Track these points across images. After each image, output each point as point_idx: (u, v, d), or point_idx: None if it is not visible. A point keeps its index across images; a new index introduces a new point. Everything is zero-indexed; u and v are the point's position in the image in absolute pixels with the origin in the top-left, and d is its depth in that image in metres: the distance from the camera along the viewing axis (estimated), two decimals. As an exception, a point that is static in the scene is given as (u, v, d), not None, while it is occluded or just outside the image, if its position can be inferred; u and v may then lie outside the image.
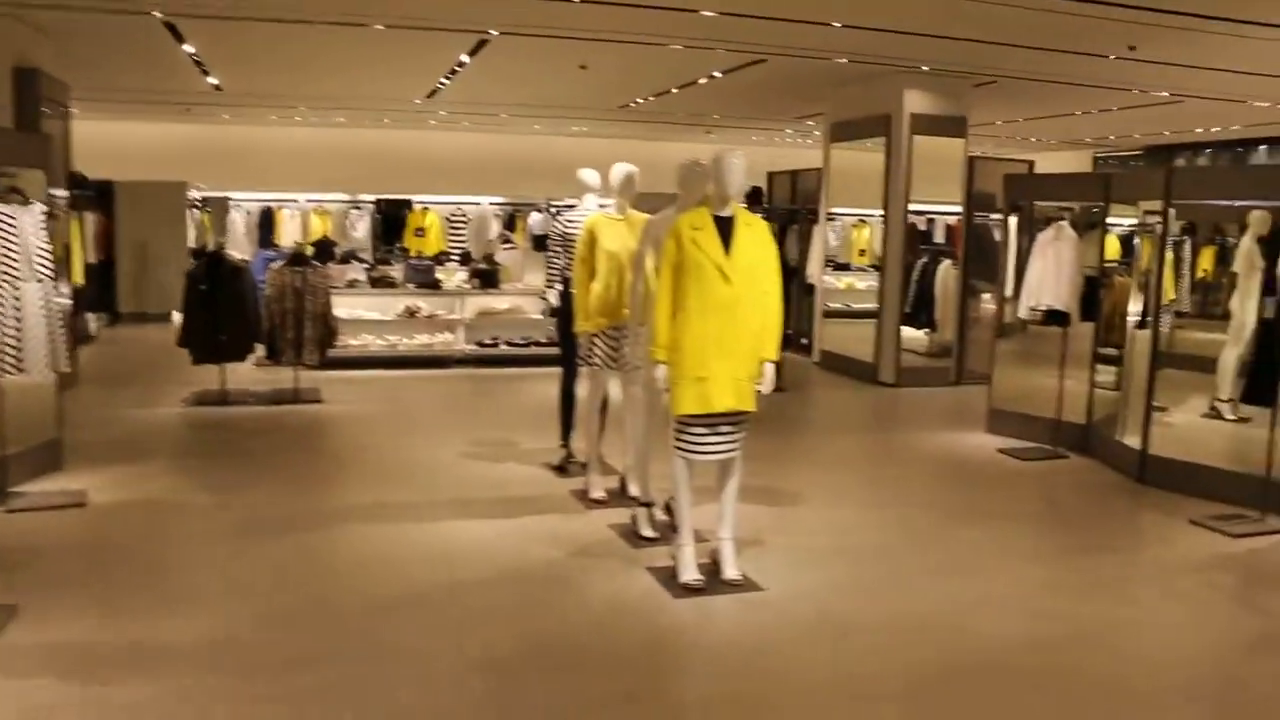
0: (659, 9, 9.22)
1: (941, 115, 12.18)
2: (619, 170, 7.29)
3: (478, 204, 20.60)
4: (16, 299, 6.88)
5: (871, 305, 12.85)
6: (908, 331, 12.64)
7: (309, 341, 10.45)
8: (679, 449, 5.70)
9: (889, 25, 9.76)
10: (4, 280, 6.76)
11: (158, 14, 9.75)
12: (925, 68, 11.70)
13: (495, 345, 13.26)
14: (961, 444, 9.52)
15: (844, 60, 11.41)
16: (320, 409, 10.40)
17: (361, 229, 20.16)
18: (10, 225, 6.84)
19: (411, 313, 13.01)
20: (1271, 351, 7.15)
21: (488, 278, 13.47)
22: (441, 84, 13.95)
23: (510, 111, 17.23)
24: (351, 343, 12.62)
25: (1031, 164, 13.52)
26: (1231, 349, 9.11)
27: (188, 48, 11.58)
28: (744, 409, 5.63)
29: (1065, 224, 8.92)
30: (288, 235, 19.25)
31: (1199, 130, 16.55)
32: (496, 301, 13.36)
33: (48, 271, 7.10)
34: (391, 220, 20.28)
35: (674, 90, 14.11)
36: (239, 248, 18.85)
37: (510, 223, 20.87)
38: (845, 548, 6.53)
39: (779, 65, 11.80)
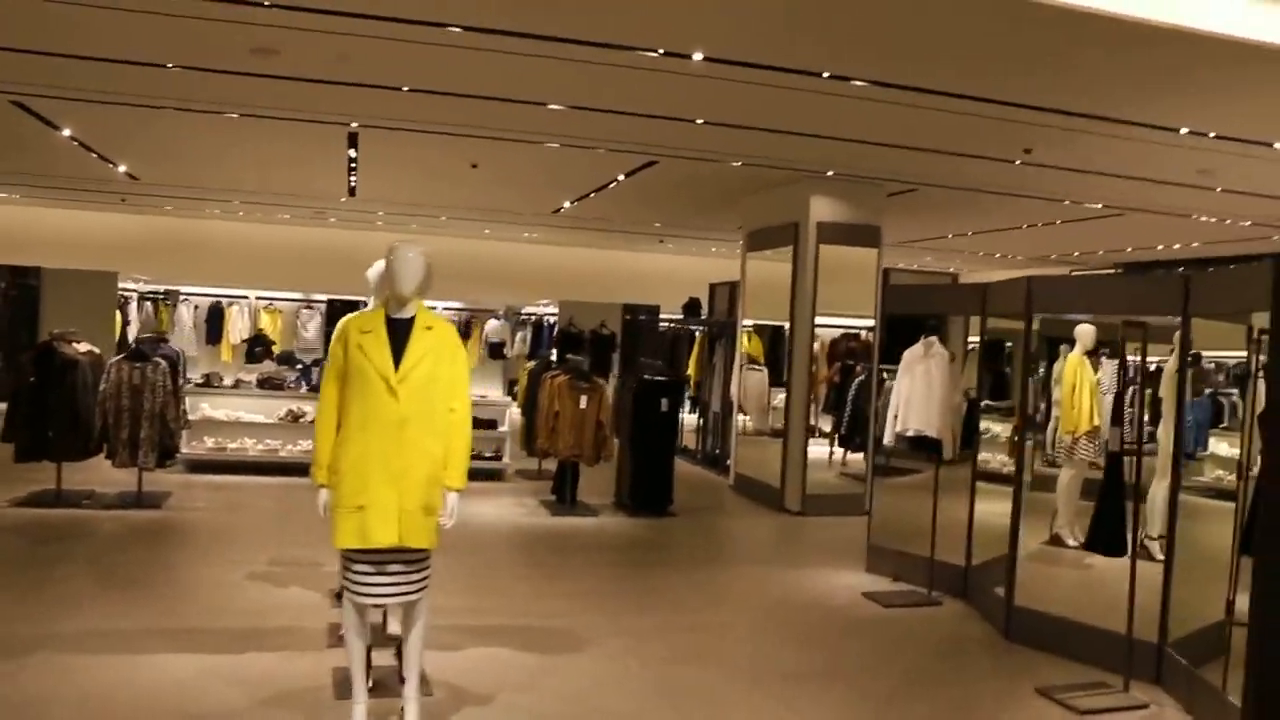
0: (507, 101, 8.44)
1: (852, 224, 11.18)
2: (378, 266, 6.28)
3: (434, 308, 19.71)
4: None
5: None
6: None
7: (144, 442, 9.49)
8: (345, 589, 4.74)
9: (762, 124, 8.86)
10: None
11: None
12: (830, 173, 10.76)
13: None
14: (829, 584, 8.29)
15: (738, 164, 10.51)
16: (155, 515, 9.48)
17: (313, 329, 19.33)
18: None
19: (295, 417, 12.04)
20: (1115, 492, 5.92)
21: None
22: (353, 181, 13.20)
23: (449, 214, 16.50)
24: (230, 446, 11.72)
25: (955, 276, 12.45)
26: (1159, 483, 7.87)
27: (66, 131, 10.87)
28: (413, 545, 4.65)
29: (935, 340, 7.80)
30: (236, 332, 18.47)
31: (1160, 247, 15.41)
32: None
33: None
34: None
35: (591, 195, 13.24)
36: (186, 342, 18.16)
37: (466, 329, 19.98)
38: (584, 714, 5.31)
39: (678, 168, 10.94)
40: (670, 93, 8.07)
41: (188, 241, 18.98)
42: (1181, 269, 17.89)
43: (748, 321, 12.98)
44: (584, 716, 5.35)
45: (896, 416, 8.00)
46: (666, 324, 17.21)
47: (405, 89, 8.31)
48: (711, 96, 8.14)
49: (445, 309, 19.73)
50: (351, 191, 14.27)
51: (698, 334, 14.87)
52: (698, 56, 6.93)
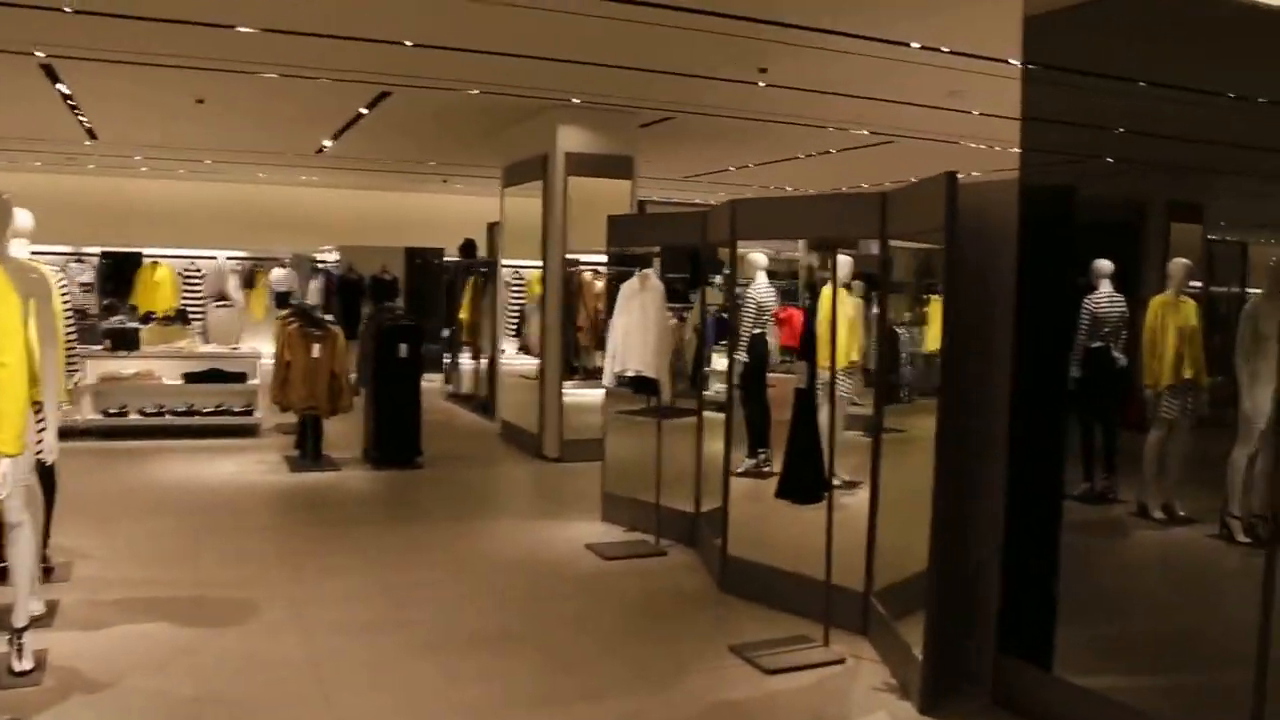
0: (205, 26, 7.32)
1: (604, 154, 10.34)
2: None
3: (214, 258, 18.25)
4: None
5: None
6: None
7: None
8: None
9: (489, 47, 7.93)
10: None
11: None
12: (576, 101, 9.88)
13: (123, 414, 10.95)
14: (554, 537, 7.56)
15: (476, 91, 9.53)
16: None
17: (82, 282, 17.61)
18: None
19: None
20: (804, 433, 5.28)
21: (121, 338, 11.18)
22: (84, 122, 11.73)
23: (213, 158, 15.04)
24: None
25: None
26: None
27: None
28: None
29: (651, 273, 7.05)
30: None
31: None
32: (124, 365, 11.08)
33: None
34: (118, 275, 17.75)
35: (344, 132, 12.08)
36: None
37: (250, 279, 18.57)
38: (205, 696, 4.41)
39: (417, 99, 9.92)
40: (386, 13, 7.13)
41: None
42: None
43: (512, 261, 12.10)
44: (204, 700, 4.51)
45: (615, 356, 7.24)
46: (440, 267, 16.24)
47: (72, 10, 7.04)
48: (433, 16, 7.22)
49: (229, 257, 18.37)
50: (91, 134, 12.72)
51: (473, 277, 13.90)
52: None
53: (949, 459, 4.52)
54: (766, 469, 8.15)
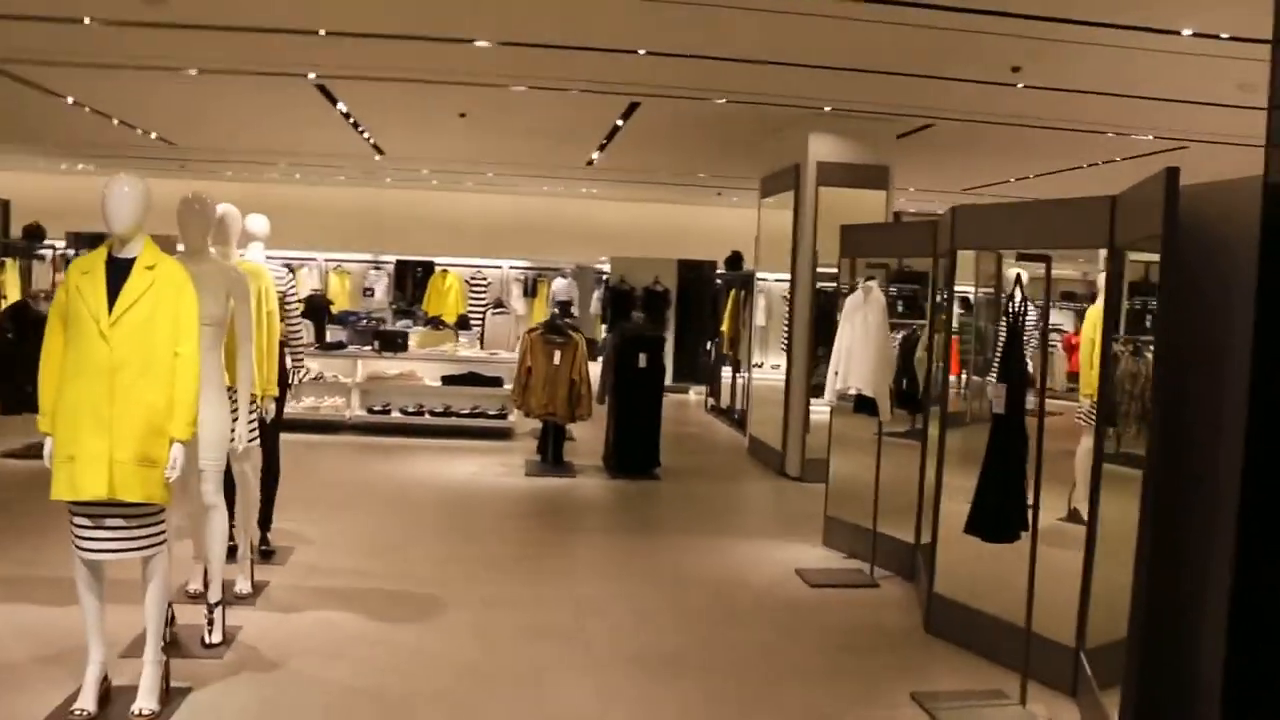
0: (442, 41, 7.74)
1: (857, 164, 9.95)
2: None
3: (499, 267, 19.20)
4: None
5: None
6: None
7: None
8: (72, 542, 4.23)
9: (736, 55, 7.85)
10: None
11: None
12: (827, 109, 9.57)
13: (386, 412, 11.66)
14: (768, 558, 7.31)
15: (722, 101, 9.42)
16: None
17: (379, 289, 19.04)
18: None
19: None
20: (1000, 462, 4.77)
21: (388, 340, 11.92)
22: (367, 138, 12.65)
23: (495, 171, 15.82)
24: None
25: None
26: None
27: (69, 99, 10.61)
28: (126, 498, 4.09)
29: (874, 285, 6.67)
30: (305, 293, 18.30)
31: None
32: (389, 366, 11.80)
33: None
34: (412, 281, 19.06)
35: (606, 144, 12.35)
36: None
37: (533, 288, 19.39)
38: (371, 689, 4.54)
39: (665, 109, 9.98)
40: (627, 23, 7.22)
41: (255, 205, 18.82)
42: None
43: (769, 275, 11.89)
44: (358, 691, 4.67)
45: (837, 372, 6.89)
46: (707, 279, 16.23)
47: (325, 33, 7.58)
48: (674, 25, 7.20)
49: (513, 267, 19.24)
50: (378, 150, 13.69)
51: (734, 289, 13.82)
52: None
53: (1160, 497, 3.94)
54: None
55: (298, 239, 18.51)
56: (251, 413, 5.59)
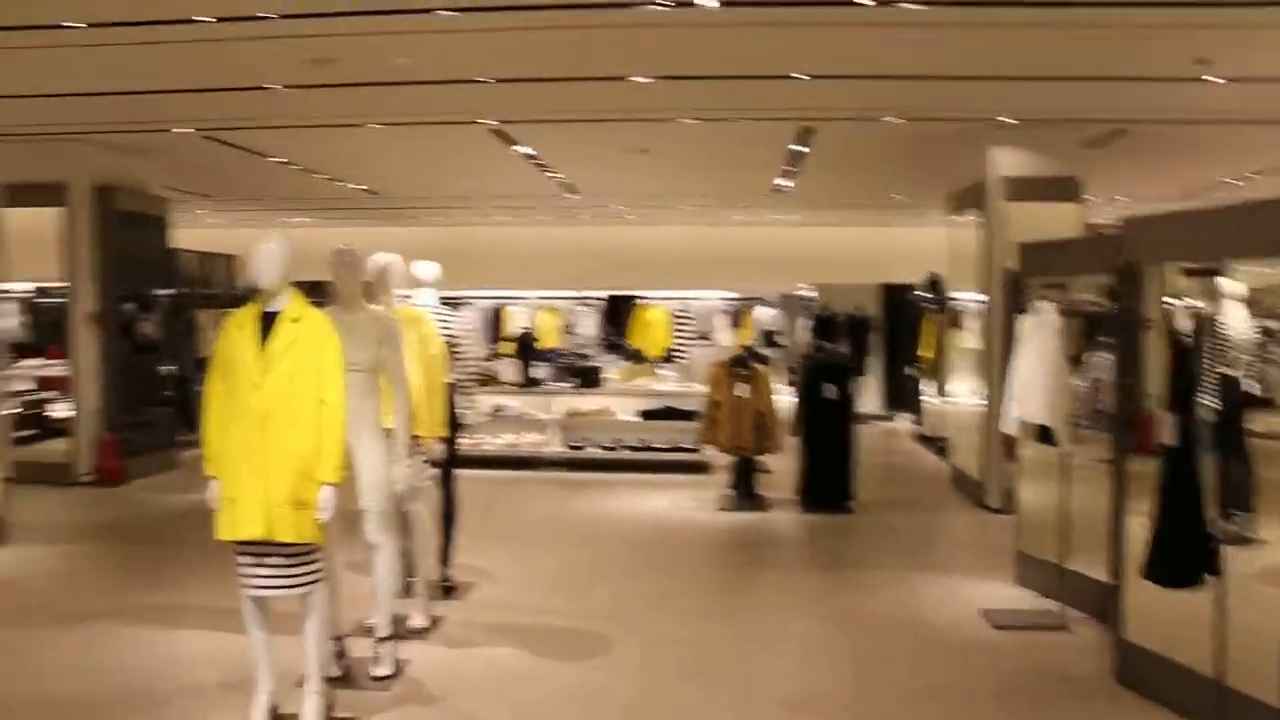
0: (597, 81, 7.95)
1: (1044, 176, 9.50)
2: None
3: (704, 299, 19.31)
4: None
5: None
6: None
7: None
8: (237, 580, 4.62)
9: (885, 71, 7.71)
10: None
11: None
12: (1005, 119, 9.18)
13: (583, 448, 11.94)
14: (954, 596, 7.03)
15: (894, 119, 9.21)
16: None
17: (587, 325, 19.51)
18: None
19: (498, 410, 12.04)
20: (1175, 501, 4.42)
21: (585, 376, 12.22)
22: (552, 176, 13.06)
23: (687, 202, 16.01)
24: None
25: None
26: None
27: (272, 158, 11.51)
28: (281, 539, 4.42)
29: (1049, 307, 6.34)
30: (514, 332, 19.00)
31: None
32: (585, 402, 12.08)
33: None
34: (617, 316, 19.45)
35: (786, 171, 12.30)
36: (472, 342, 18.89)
37: (738, 318, 19.40)
38: None
39: (838, 132, 9.86)
40: (786, 50, 7.22)
41: (461, 248, 19.70)
42: None
43: (966, 296, 11.48)
44: None
45: (1016, 399, 6.57)
46: (910, 303, 15.78)
47: (497, 80, 7.95)
48: (833, 47, 7.17)
49: (720, 298, 19.32)
50: (570, 189, 14.09)
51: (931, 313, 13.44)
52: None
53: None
54: (1248, 536, 6.92)
55: (504, 279, 19.28)
56: (416, 454, 5.86)
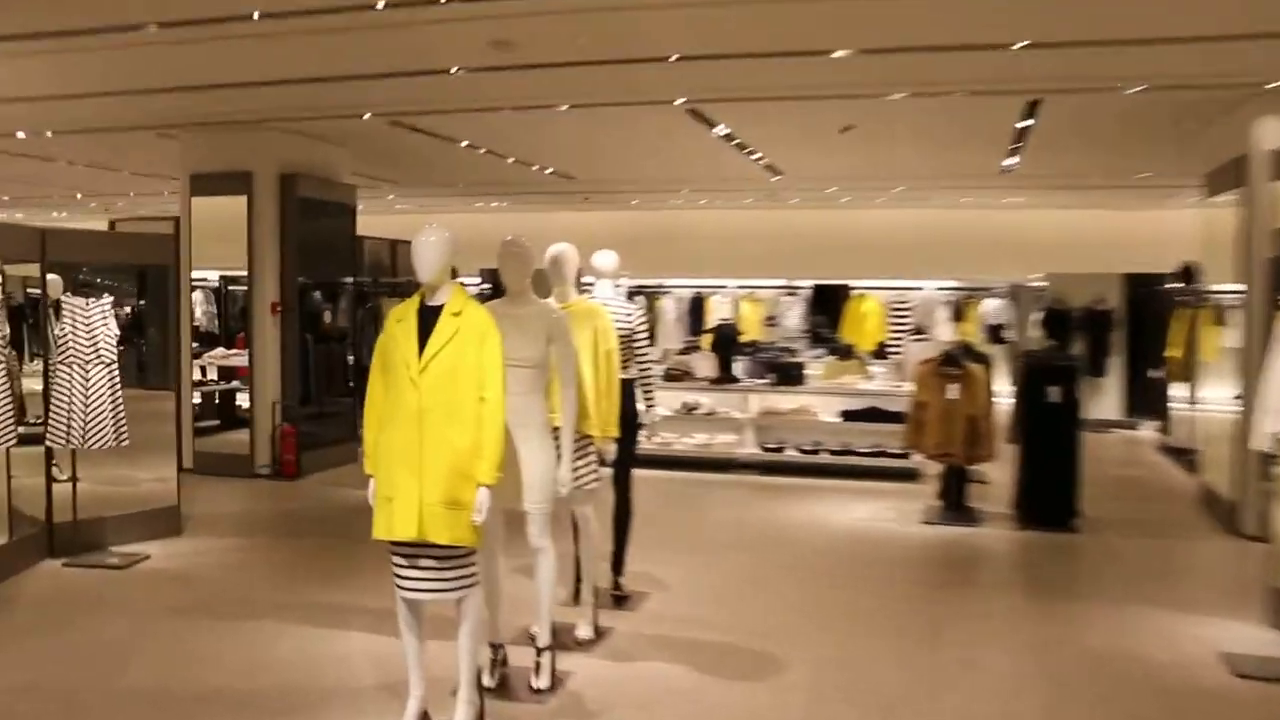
0: (794, 56, 7.96)
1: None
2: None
3: (923, 289, 18.94)
4: (86, 379, 7.64)
5: None
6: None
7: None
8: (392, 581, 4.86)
9: (1121, 35, 7.40)
10: (73, 363, 7.70)
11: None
12: (1271, 85, 8.61)
13: (780, 450, 11.93)
14: (1189, 635, 6.61)
15: (1141, 88, 8.78)
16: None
17: (793, 317, 19.43)
18: (78, 314, 7.77)
19: (689, 409, 12.18)
20: None
21: (784, 373, 12.20)
22: (756, 158, 13.08)
23: (900, 184, 15.76)
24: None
25: None
26: None
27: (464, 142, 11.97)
28: (434, 540, 4.60)
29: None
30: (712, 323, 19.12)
31: None
32: (784, 400, 12.07)
33: (111, 355, 7.90)
34: (828, 307, 19.28)
35: (1013, 148, 11.92)
36: (668, 335, 19.18)
37: (960, 311, 18.93)
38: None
39: (1077, 104, 9.52)
40: (1007, 15, 7.08)
41: (662, 233, 19.95)
42: None
43: (1226, 288, 10.84)
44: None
45: (1274, 410, 6.18)
46: (1159, 295, 14.99)
47: (680, 59, 8.05)
48: (1059, 10, 6.96)
49: (938, 288, 18.92)
50: (774, 170, 14.09)
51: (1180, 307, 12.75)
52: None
53: None
54: None
55: (706, 266, 19.42)
56: (587, 454, 6.00)
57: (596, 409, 6.04)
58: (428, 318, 4.71)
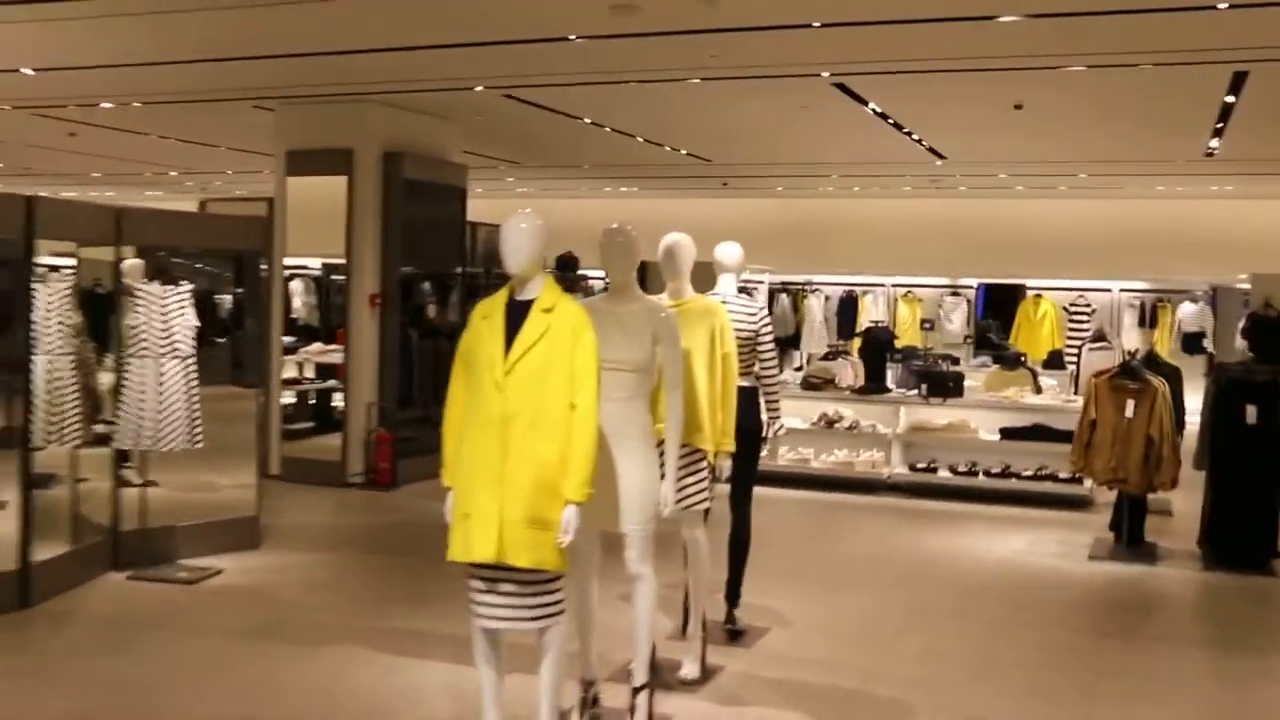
0: (953, 21, 7.74)
1: None
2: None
3: (1108, 290, 18.37)
4: (160, 374, 7.84)
5: None
6: None
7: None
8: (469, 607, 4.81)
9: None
10: (145, 356, 7.88)
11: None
12: None
13: (931, 470, 11.67)
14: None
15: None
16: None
17: (957, 319, 19.05)
18: (153, 303, 7.94)
19: (830, 422, 12.00)
20: None
21: (938, 383, 11.93)
22: (918, 140, 12.83)
23: (1085, 170, 15.28)
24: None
25: None
26: None
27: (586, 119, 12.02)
28: (514, 563, 4.53)
29: None
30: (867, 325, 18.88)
31: None
32: (937, 414, 11.80)
33: (188, 348, 8.00)
34: (1000, 309, 18.85)
35: (1219, 128, 11.43)
36: (816, 336, 19.01)
37: (1151, 315, 18.30)
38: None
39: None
40: None
41: (809, 223, 19.73)
42: None
43: None
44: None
45: None
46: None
47: (823, 25, 7.93)
48: None
49: (1124, 290, 18.36)
50: (936, 154, 13.81)
51: None
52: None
53: None
54: None
55: (857, 261, 19.14)
56: (698, 470, 5.89)
57: (711, 419, 5.89)
58: (516, 314, 4.64)
